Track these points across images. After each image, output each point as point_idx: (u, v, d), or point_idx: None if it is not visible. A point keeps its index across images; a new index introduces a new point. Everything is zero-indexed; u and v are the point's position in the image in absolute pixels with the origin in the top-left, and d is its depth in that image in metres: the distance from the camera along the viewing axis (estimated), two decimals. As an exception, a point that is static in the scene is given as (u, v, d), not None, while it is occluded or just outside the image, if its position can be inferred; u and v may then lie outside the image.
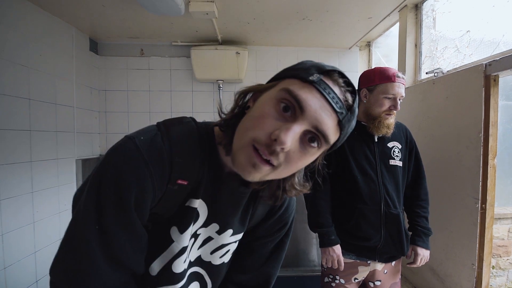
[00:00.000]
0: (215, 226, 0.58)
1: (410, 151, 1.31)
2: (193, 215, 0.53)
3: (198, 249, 0.59)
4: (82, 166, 2.20)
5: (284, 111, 0.45)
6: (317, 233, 1.25)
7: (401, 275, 1.96)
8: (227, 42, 2.49)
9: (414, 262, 1.26)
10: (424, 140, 1.72)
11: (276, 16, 1.99)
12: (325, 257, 1.22)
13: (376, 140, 1.25)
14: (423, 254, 1.25)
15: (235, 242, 0.63)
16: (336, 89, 0.46)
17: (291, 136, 0.43)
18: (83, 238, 0.45)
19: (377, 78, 1.22)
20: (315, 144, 0.46)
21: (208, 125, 0.55)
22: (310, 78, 0.45)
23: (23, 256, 1.67)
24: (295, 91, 0.44)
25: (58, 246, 0.47)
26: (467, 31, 1.59)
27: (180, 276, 0.55)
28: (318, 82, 0.45)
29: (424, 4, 1.88)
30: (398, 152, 1.26)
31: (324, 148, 0.48)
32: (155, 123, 0.53)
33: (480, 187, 1.31)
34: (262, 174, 0.46)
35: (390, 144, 1.26)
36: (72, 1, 1.76)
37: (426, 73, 1.76)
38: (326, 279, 1.29)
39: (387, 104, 1.20)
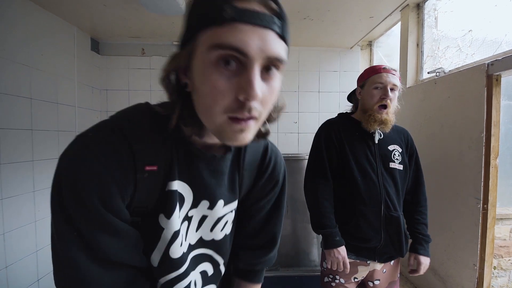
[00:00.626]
0: (205, 203, 0.56)
1: (410, 156, 1.30)
2: (175, 197, 0.51)
3: (196, 231, 0.58)
4: (83, 166, 2.21)
5: (227, 65, 0.40)
6: (320, 235, 1.24)
7: (402, 275, 1.96)
8: (228, 41, 2.49)
9: (417, 271, 1.25)
10: (425, 140, 1.71)
11: (277, 16, 1.99)
12: (330, 259, 1.20)
13: (376, 142, 1.25)
14: (425, 263, 1.25)
15: (231, 211, 0.62)
16: (255, 5, 0.39)
17: (257, 85, 0.39)
18: (67, 250, 0.43)
19: (366, 74, 1.25)
20: (274, 71, 0.43)
21: (166, 105, 0.51)
22: (225, 16, 0.38)
23: (24, 255, 1.68)
24: (225, 42, 0.38)
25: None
26: (469, 31, 1.58)
27: (180, 261, 0.54)
28: (237, 15, 0.38)
29: (426, 3, 1.87)
30: (399, 155, 1.25)
31: (283, 65, 0.44)
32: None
33: (482, 187, 1.31)
34: (252, 130, 0.44)
35: (390, 147, 1.26)
36: (73, 1, 1.76)
37: (428, 72, 1.75)
38: (326, 279, 1.29)
39: (377, 94, 1.19)
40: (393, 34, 2.41)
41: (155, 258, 0.52)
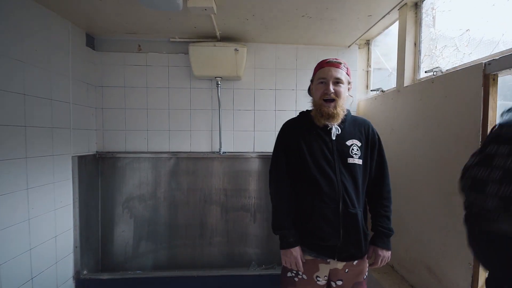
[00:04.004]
0: None
1: (372, 148, 1.29)
2: None
3: None
4: (78, 163, 2.18)
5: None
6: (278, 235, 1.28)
7: (398, 273, 1.97)
8: (226, 38, 2.47)
9: (375, 263, 1.26)
10: (422, 140, 1.72)
11: (275, 13, 1.98)
12: (284, 259, 1.26)
13: (334, 138, 1.24)
14: (383, 255, 1.25)
15: None
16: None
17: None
18: None
19: (314, 70, 1.31)
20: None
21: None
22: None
23: (18, 253, 1.66)
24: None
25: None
26: (467, 30, 1.58)
27: None
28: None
29: (424, 2, 1.87)
30: (357, 150, 1.25)
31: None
32: None
33: (478, 187, 1.31)
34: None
35: (348, 142, 1.25)
36: (68, -5, 1.73)
37: (425, 72, 1.76)
38: (289, 274, 1.30)
39: (320, 88, 1.24)
40: (390, 33, 2.41)
41: None
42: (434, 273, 1.60)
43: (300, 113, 1.38)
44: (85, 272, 2.27)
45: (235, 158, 2.62)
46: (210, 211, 2.65)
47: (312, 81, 1.32)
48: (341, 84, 1.22)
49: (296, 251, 1.23)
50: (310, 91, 1.35)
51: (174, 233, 2.62)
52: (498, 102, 1.33)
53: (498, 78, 1.29)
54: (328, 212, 1.19)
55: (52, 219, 1.95)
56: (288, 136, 1.30)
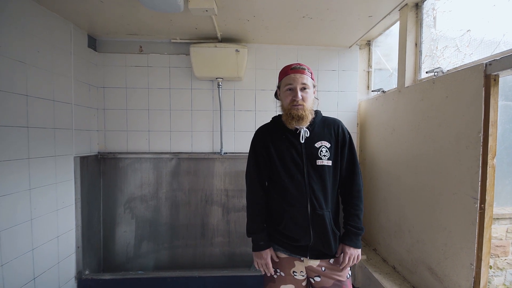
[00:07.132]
0: None
1: (342, 148, 1.30)
2: None
3: None
4: (80, 164, 2.19)
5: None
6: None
7: (399, 274, 1.96)
8: (227, 39, 2.48)
9: (343, 261, 1.28)
10: (423, 140, 1.72)
11: (276, 14, 1.98)
12: (256, 261, 1.31)
13: (303, 141, 1.26)
14: (351, 253, 1.27)
15: None
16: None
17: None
18: None
19: (280, 75, 1.33)
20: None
21: None
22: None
23: (20, 254, 1.67)
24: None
25: None
26: (468, 31, 1.58)
27: None
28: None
29: (425, 3, 1.87)
30: (326, 151, 1.26)
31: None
32: None
33: (479, 187, 1.31)
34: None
35: (317, 144, 1.27)
36: (70, -3, 1.74)
37: (426, 72, 1.75)
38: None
39: (289, 95, 1.26)
40: (391, 33, 2.41)
41: None
42: (436, 274, 1.59)
43: (272, 118, 1.41)
44: (87, 272, 2.28)
45: (236, 158, 2.63)
46: (212, 212, 2.65)
47: (278, 87, 1.34)
48: (307, 90, 1.26)
49: (266, 253, 1.29)
50: (277, 95, 1.38)
51: (176, 233, 2.63)
52: (500, 103, 1.32)
53: (499, 78, 1.29)
54: (297, 214, 1.23)
55: (54, 220, 1.95)
56: (259, 142, 1.33)
